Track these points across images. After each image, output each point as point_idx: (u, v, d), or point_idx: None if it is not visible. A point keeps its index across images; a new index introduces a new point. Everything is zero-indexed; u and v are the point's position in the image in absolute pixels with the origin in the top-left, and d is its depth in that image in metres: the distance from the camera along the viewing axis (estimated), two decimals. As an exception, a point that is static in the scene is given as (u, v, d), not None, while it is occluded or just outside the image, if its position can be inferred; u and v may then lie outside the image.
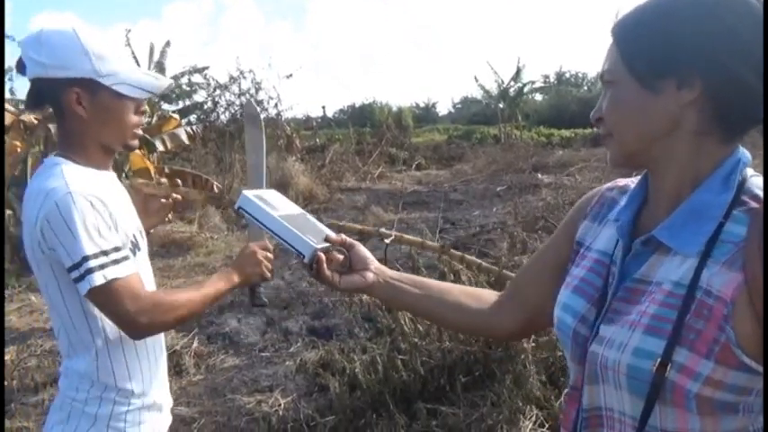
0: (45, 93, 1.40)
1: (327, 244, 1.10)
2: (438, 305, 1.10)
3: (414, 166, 15.83)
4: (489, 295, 1.12)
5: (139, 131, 1.46)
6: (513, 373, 2.77)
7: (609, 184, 1.02)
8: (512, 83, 21.12)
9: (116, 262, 1.29)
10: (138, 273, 1.35)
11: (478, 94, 25.93)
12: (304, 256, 1.06)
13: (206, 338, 4.37)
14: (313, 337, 4.33)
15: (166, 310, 1.34)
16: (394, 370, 3.04)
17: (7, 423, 3.26)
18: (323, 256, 1.07)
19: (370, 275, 1.10)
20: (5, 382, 3.65)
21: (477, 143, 19.61)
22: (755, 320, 0.72)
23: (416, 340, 3.13)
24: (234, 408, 3.41)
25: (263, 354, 4.14)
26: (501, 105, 20.69)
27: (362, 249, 1.13)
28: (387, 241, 2.63)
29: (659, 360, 0.75)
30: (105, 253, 1.28)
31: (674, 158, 0.83)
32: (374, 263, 1.12)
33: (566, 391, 0.94)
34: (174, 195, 1.70)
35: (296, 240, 1.06)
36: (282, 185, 10.05)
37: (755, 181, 0.81)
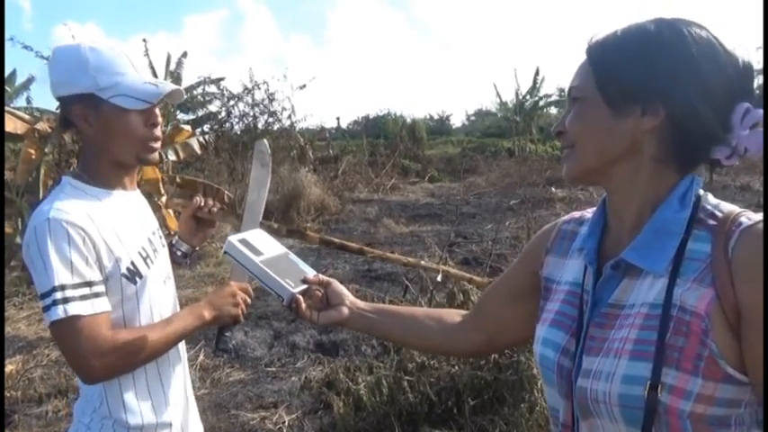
0: (63, 111, 1.35)
1: (305, 286, 1.18)
2: (403, 331, 1.19)
3: (426, 178, 15.80)
4: (452, 315, 1.20)
5: (155, 144, 1.36)
6: (523, 398, 2.70)
7: (565, 218, 1.06)
8: (527, 96, 21.02)
9: (84, 298, 1.21)
10: (108, 313, 1.26)
11: (493, 107, 25.85)
12: (283, 299, 1.15)
13: (212, 351, 4.33)
14: (319, 353, 4.28)
15: (126, 354, 1.25)
16: (400, 391, 2.97)
17: (9, 434, 3.24)
18: (300, 298, 1.16)
19: (344, 310, 1.19)
20: (10, 393, 3.63)
21: (490, 156, 19.48)
22: (731, 332, 0.76)
23: (424, 359, 3.07)
24: (237, 424, 3.37)
25: (268, 369, 4.10)
26: (517, 119, 20.56)
27: (338, 286, 1.21)
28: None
29: (649, 383, 0.77)
30: (73, 287, 1.21)
31: (634, 182, 0.87)
32: (349, 297, 1.20)
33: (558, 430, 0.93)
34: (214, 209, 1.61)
35: (276, 285, 1.16)
36: (294, 196, 10.04)
37: (709, 199, 0.86)
